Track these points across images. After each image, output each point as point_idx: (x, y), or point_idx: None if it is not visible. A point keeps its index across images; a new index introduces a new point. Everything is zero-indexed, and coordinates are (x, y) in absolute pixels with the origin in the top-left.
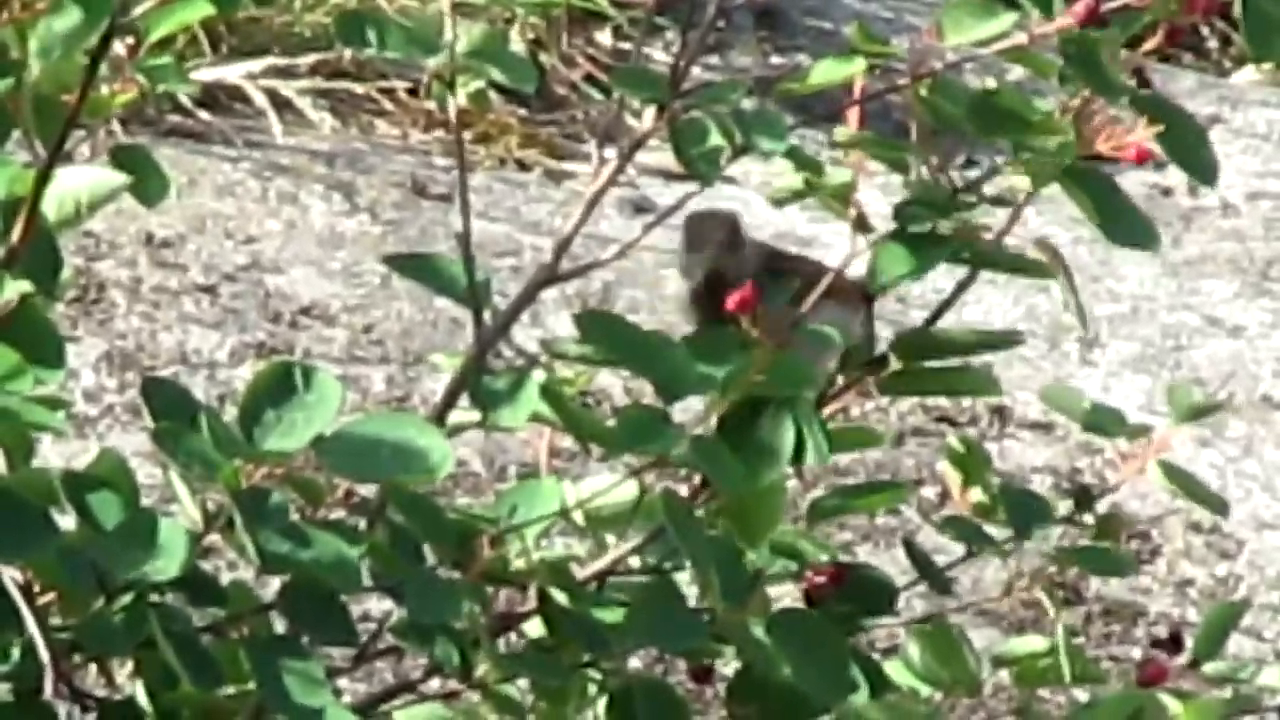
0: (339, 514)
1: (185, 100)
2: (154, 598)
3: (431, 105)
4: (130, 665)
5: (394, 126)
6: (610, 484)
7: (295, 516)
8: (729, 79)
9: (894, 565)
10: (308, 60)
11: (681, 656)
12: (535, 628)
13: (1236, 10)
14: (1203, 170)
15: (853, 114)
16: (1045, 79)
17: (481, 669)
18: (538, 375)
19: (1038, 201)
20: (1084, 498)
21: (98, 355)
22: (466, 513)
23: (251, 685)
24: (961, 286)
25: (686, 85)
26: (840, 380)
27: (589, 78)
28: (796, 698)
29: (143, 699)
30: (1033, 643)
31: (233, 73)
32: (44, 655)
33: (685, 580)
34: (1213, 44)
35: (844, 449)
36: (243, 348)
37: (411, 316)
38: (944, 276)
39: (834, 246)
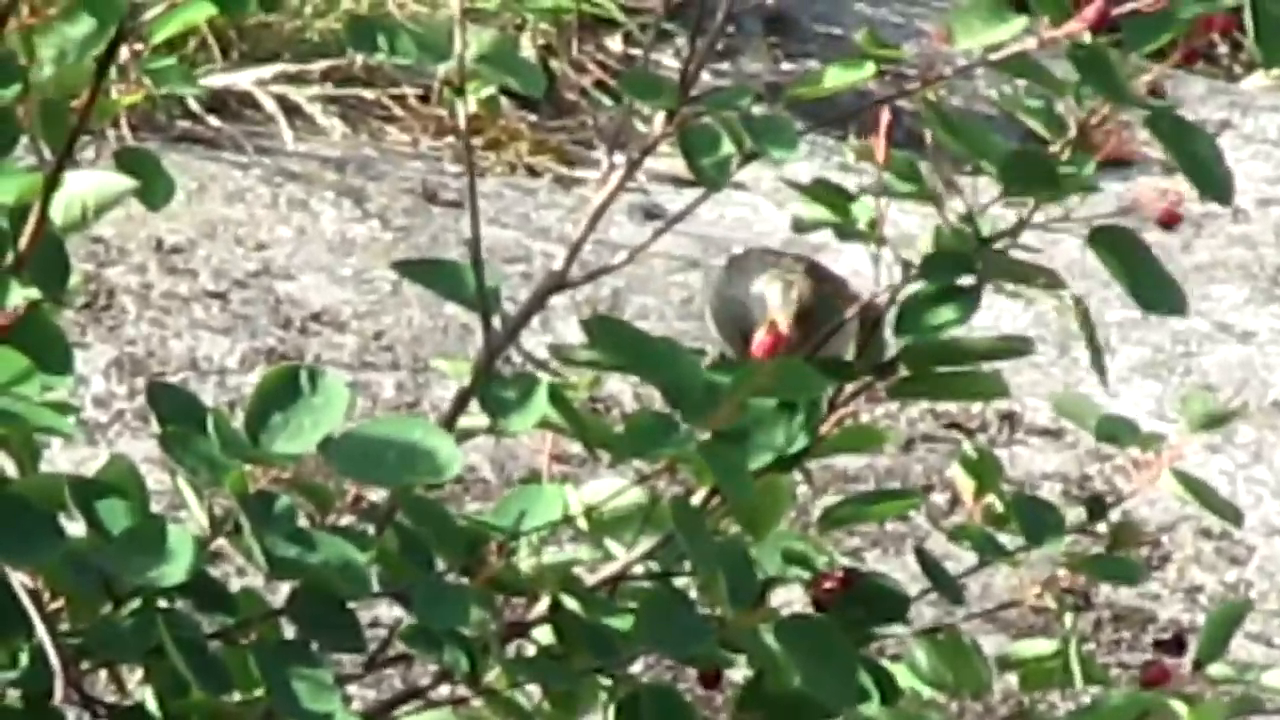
0: (348, 520)
1: (195, 106)
2: (163, 604)
3: (442, 112)
4: (140, 671)
5: (405, 133)
6: (614, 489)
7: (304, 522)
8: (738, 84)
9: (903, 571)
10: (318, 66)
11: (690, 663)
12: (544, 634)
13: (1247, 17)
14: (1218, 188)
15: (879, 139)
16: (1060, 95)
17: (491, 675)
18: (545, 381)
19: (1046, 207)
20: (1097, 507)
21: (107, 361)
22: (475, 519)
23: (261, 691)
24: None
25: (696, 91)
26: (849, 386)
27: (599, 84)
28: (806, 704)
29: (152, 705)
30: (1038, 646)
31: (243, 79)
32: (54, 661)
33: (693, 586)
34: (1223, 50)
35: (848, 449)
36: (253, 354)
37: (422, 323)
38: None
39: (844, 252)
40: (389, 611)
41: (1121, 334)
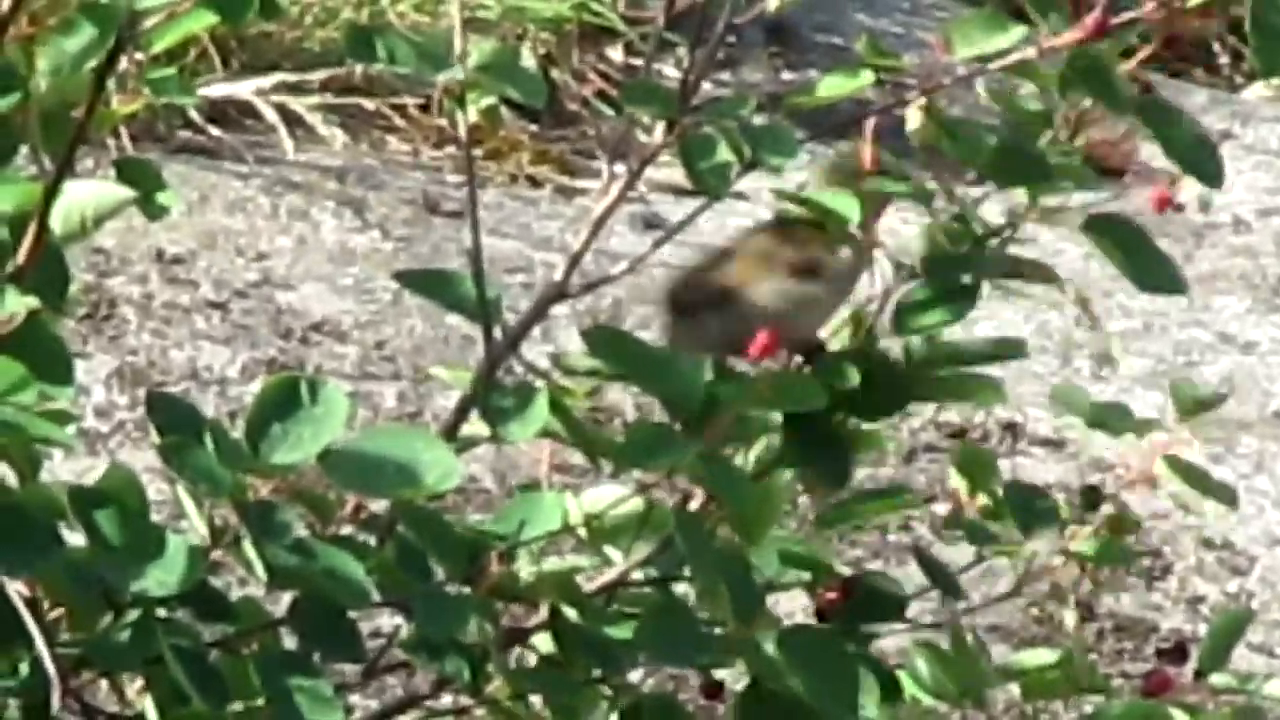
0: (348, 529)
1: (196, 116)
2: (163, 614)
3: (443, 122)
4: (140, 681)
5: (405, 143)
6: (614, 497)
7: (304, 532)
8: (739, 94)
9: (907, 583)
10: (319, 76)
11: (691, 671)
12: (545, 643)
13: (1247, 25)
14: (1208, 174)
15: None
16: (1061, 94)
17: (492, 685)
18: (545, 390)
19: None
20: (1093, 496)
21: (108, 371)
22: (475, 528)
23: (261, 702)
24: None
25: (697, 101)
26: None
27: (600, 94)
28: (806, 713)
29: (152, 715)
30: (1041, 655)
31: (243, 89)
32: (51, 670)
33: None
34: (1224, 60)
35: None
36: (254, 364)
37: (423, 333)
38: None
39: None
40: (390, 620)
41: (1124, 344)
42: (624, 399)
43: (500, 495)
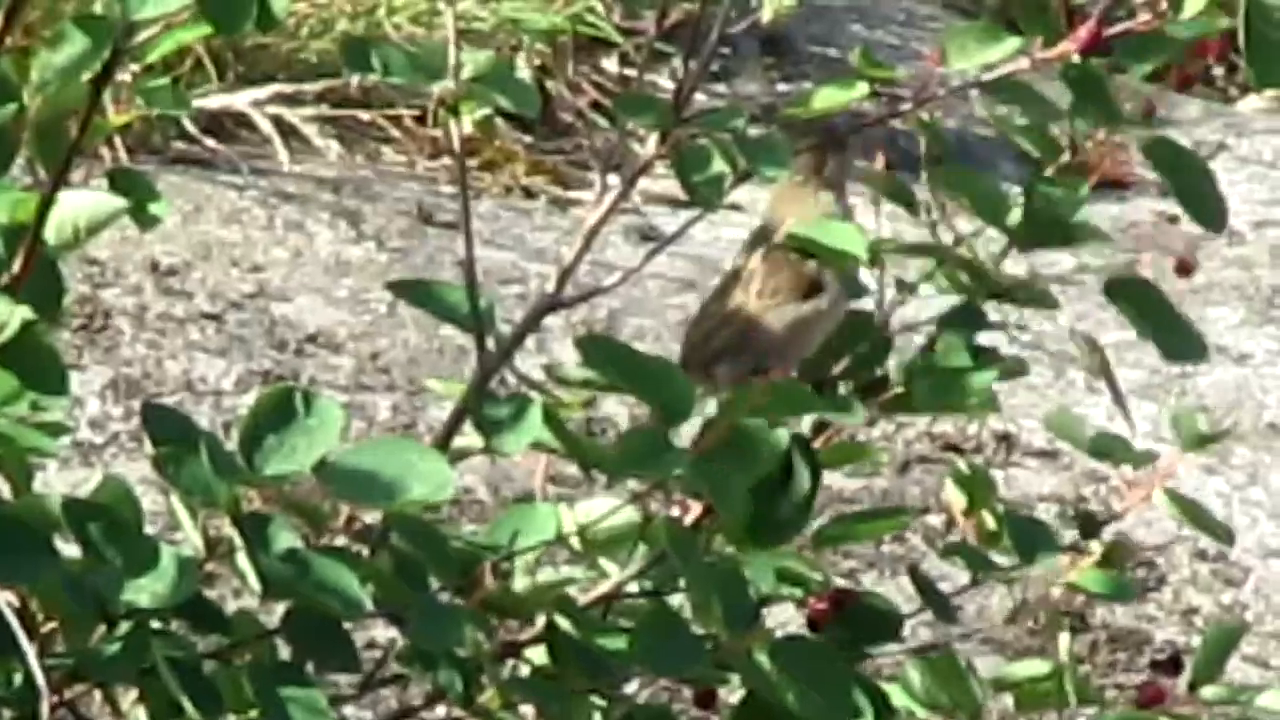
0: (342, 540)
1: (191, 128)
2: (157, 625)
3: (438, 132)
4: (134, 692)
5: (400, 154)
6: (607, 508)
7: (298, 543)
8: (732, 105)
9: (899, 594)
10: (314, 87)
11: (684, 683)
12: (538, 654)
13: (1241, 38)
14: (1212, 217)
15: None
16: (1054, 121)
17: (485, 696)
18: (539, 401)
19: None
20: (1090, 525)
21: (103, 383)
22: (469, 540)
23: (255, 713)
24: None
25: (691, 112)
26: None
27: (595, 105)
28: None
29: None
30: (1034, 667)
31: (239, 100)
32: (40, 681)
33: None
34: (1219, 71)
35: (837, 465)
36: (248, 375)
37: (418, 344)
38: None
39: None
40: (384, 632)
41: (1117, 356)
42: (619, 410)
43: (494, 506)
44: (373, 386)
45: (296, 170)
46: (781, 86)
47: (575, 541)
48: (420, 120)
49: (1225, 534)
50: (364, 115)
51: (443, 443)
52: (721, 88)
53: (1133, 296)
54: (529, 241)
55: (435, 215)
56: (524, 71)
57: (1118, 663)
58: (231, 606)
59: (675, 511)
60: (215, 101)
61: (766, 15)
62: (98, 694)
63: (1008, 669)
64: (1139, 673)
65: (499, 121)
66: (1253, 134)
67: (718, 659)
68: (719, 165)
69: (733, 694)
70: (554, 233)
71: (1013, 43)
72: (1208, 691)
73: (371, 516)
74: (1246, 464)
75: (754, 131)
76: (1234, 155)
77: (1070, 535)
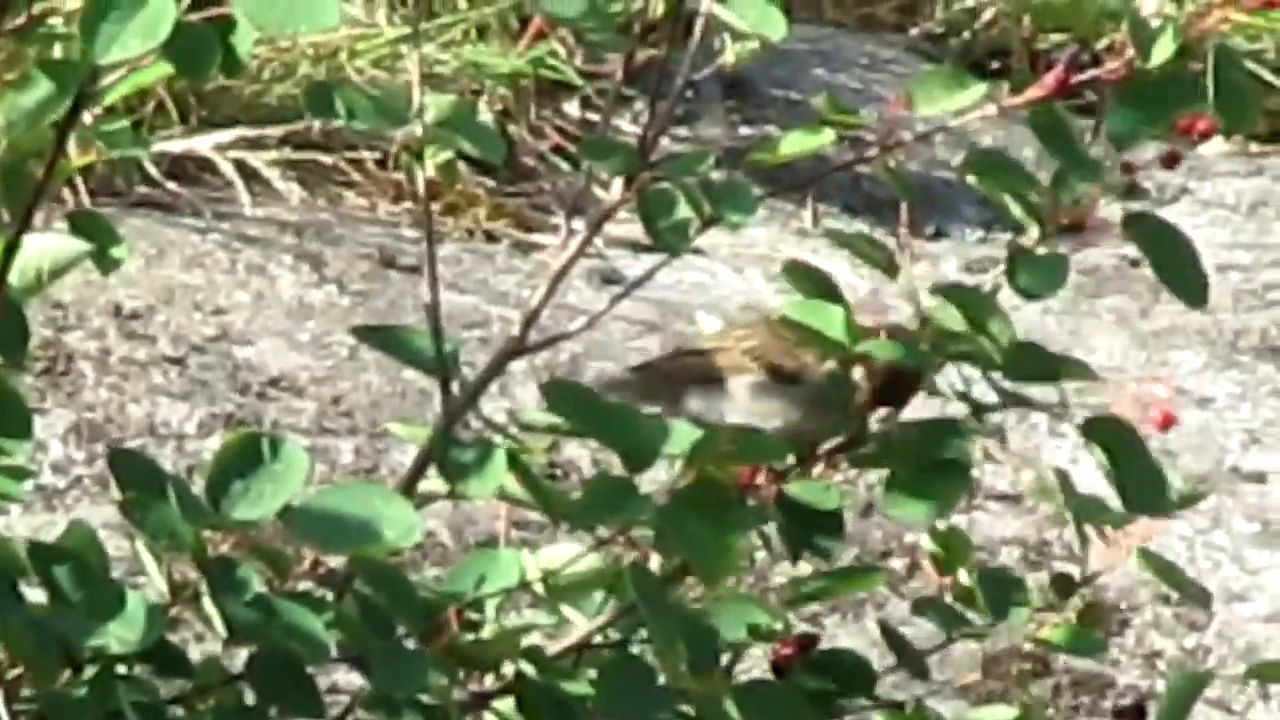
0: (307, 585)
1: (153, 171)
2: (122, 670)
3: (400, 176)
4: None
5: (363, 198)
6: (571, 555)
7: (263, 587)
8: (697, 149)
9: (863, 637)
10: (276, 131)
11: None
12: (507, 706)
13: (1208, 83)
14: (1193, 294)
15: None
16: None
17: None
18: (504, 446)
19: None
20: (1065, 585)
21: (66, 427)
22: (433, 588)
23: None
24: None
25: (655, 156)
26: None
27: (557, 149)
28: None
29: None
30: (1000, 713)
31: (201, 144)
32: None
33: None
34: None
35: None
36: (211, 419)
37: (380, 388)
38: None
39: None
40: (346, 677)
41: (1080, 399)
42: (582, 454)
43: (457, 550)
44: (335, 430)
45: (259, 214)
46: (744, 130)
47: (539, 587)
48: (382, 164)
49: (1202, 597)
50: (326, 159)
51: (407, 487)
52: (684, 131)
53: (1109, 442)
54: (491, 285)
55: (397, 259)
56: (486, 115)
57: (1081, 707)
58: (195, 651)
59: (641, 559)
60: (177, 145)
61: (730, 59)
62: None
63: (973, 715)
64: (1102, 717)
65: (461, 165)
66: (1215, 177)
67: (682, 706)
68: (684, 211)
69: None
70: (516, 276)
71: (979, 89)
72: None
73: (337, 561)
74: (1209, 508)
75: (718, 176)
76: (1196, 199)
77: (1033, 578)
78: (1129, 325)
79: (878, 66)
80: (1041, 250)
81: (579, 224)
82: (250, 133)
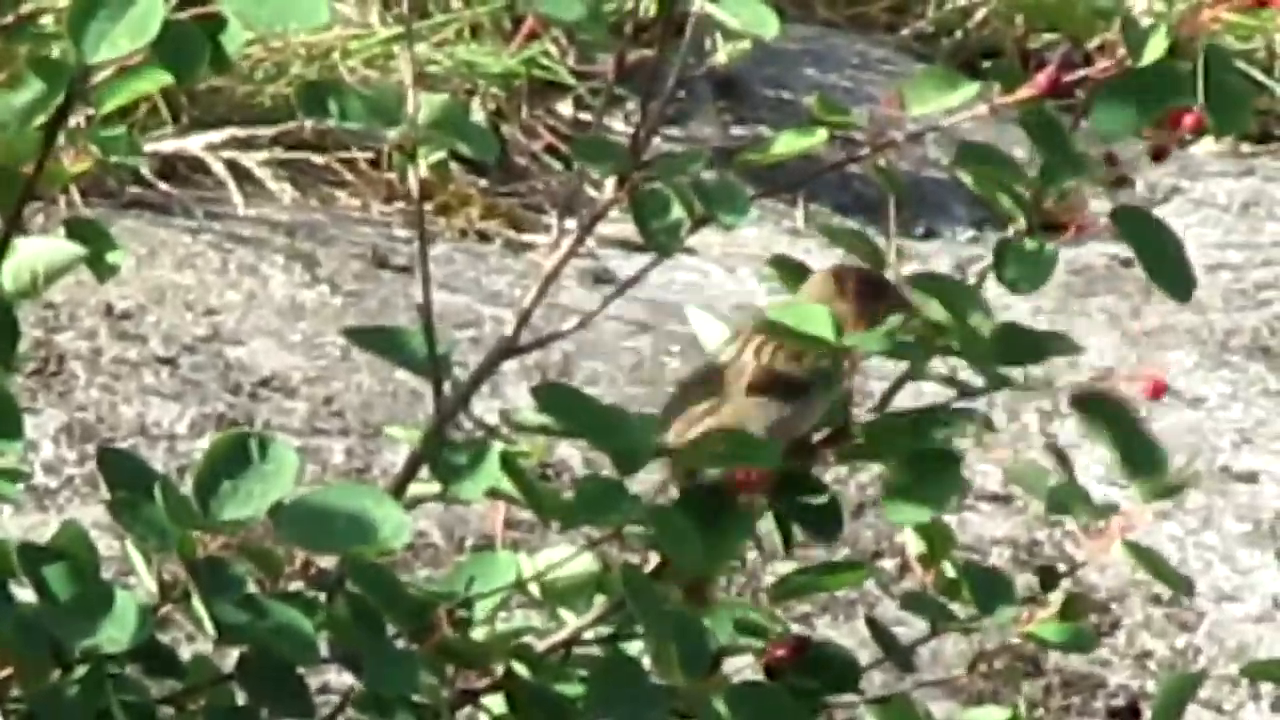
0: (298, 585)
1: (146, 172)
2: (113, 669)
3: (393, 176)
4: None
5: (355, 198)
6: (566, 556)
7: (253, 588)
8: (689, 149)
9: (853, 637)
10: (269, 131)
11: None
12: (497, 704)
13: (1199, 84)
14: (1180, 288)
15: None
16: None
17: None
18: (497, 447)
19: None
20: (1050, 578)
21: (57, 427)
22: (425, 588)
23: None
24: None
25: (647, 156)
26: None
27: (550, 149)
28: None
29: None
30: (990, 714)
31: (193, 144)
32: None
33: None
34: None
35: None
36: (203, 419)
37: (371, 388)
38: None
39: None
40: (338, 677)
41: (1068, 383)
42: (573, 454)
43: (449, 551)
44: (327, 430)
45: (251, 214)
46: (736, 130)
47: (534, 589)
48: (375, 164)
49: (1185, 586)
50: (318, 159)
51: (399, 488)
52: (676, 131)
53: (1107, 419)
54: (484, 285)
55: (390, 259)
56: (479, 115)
57: (1071, 707)
58: (186, 650)
59: (634, 559)
60: (169, 145)
61: (721, 59)
62: None
63: (964, 716)
64: (1093, 717)
65: (454, 165)
66: (1206, 177)
67: (677, 706)
68: (676, 210)
69: None
70: (509, 276)
71: (970, 89)
72: None
73: (328, 562)
74: (1200, 508)
75: (710, 176)
76: (1187, 198)
77: (1024, 579)
78: (1120, 325)
79: (870, 66)
80: (1029, 243)
81: (571, 224)
82: (242, 133)
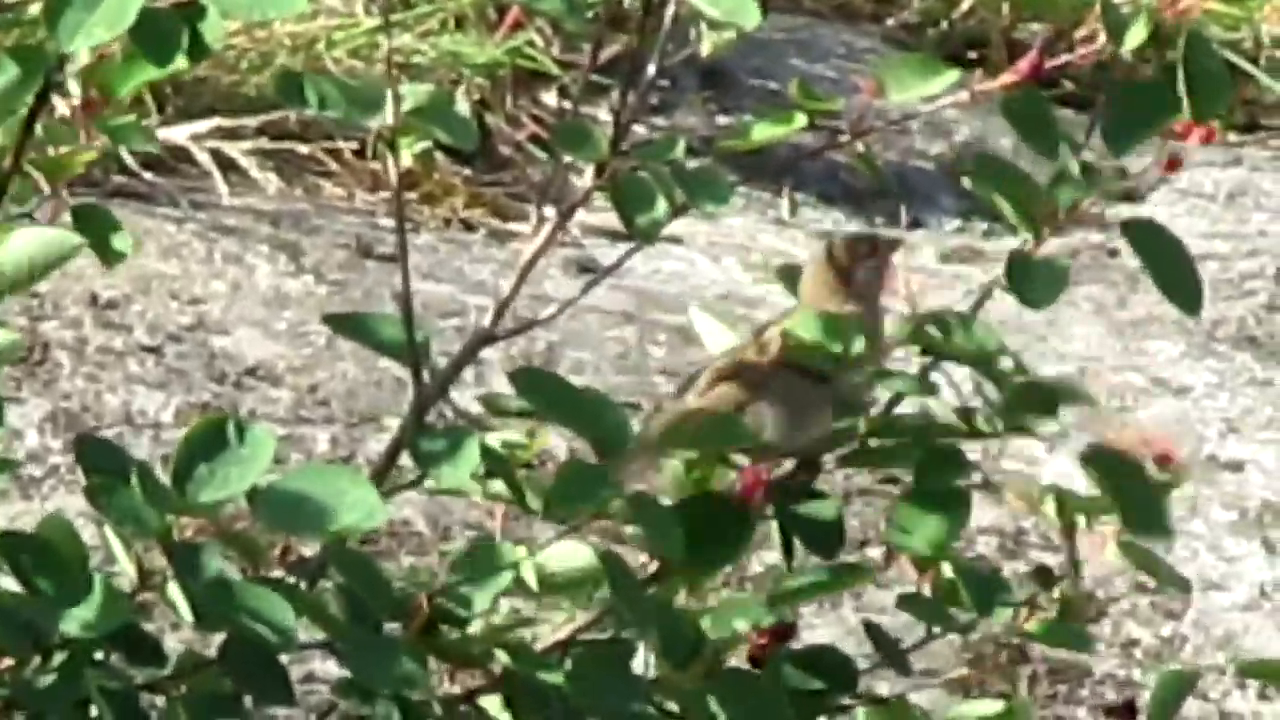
0: (279, 573)
1: (130, 161)
2: (96, 657)
3: (377, 166)
4: None
5: (340, 187)
6: (565, 549)
7: (232, 572)
8: (669, 137)
9: (840, 625)
10: (253, 121)
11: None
12: (493, 703)
13: (1180, 70)
14: (1188, 301)
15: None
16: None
17: None
18: (492, 439)
19: (987, 260)
20: (1045, 578)
21: (42, 416)
22: (411, 578)
23: None
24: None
25: (630, 144)
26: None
27: (534, 138)
28: None
29: None
30: (983, 707)
31: (178, 134)
32: None
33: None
34: None
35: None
36: (188, 408)
37: (356, 377)
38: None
39: (780, 307)
40: (323, 665)
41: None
42: (558, 443)
43: (433, 538)
44: (312, 419)
45: (235, 204)
46: (721, 119)
47: (531, 581)
48: (359, 154)
49: (1181, 583)
50: (303, 149)
51: (379, 475)
52: (661, 120)
53: (1108, 471)
54: (468, 274)
55: (374, 248)
56: (462, 105)
57: (1058, 695)
58: (172, 638)
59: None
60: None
61: (705, 48)
62: None
63: (959, 710)
64: (1079, 705)
65: (438, 154)
66: (1193, 167)
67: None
68: (657, 198)
69: None
70: (492, 265)
71: (950, 75)
72: None
73: (310, 548)
74: (1186, 497)
75: (692, 164)
76: (1174, 188)
77: (1010, 567)
78: (1106, 314)
79: (855, 56)
80: (1040, 258)
81: (552, 212)
82: (227, 123)
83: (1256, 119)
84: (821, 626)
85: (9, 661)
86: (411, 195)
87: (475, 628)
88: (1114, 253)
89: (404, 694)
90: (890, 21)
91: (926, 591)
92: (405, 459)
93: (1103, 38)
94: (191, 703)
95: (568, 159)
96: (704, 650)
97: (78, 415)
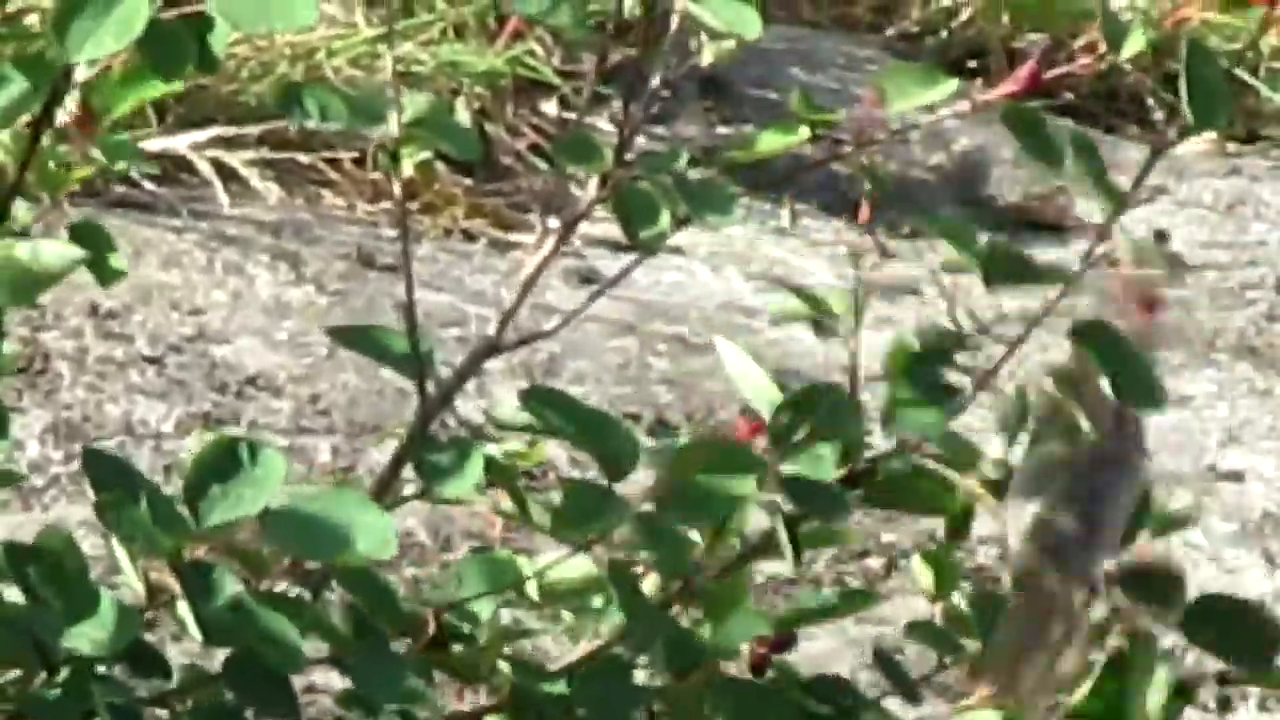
0: (284, 585)
1: (131, 171)
2: (100, 670)
3: (378, 176)
4: None
5: (340, 197)
6: (566, 560)
7: (240, 589)
8: (672, 148)
9: (840, 636)
10: (254, 130)
11: None
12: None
13: (1181, 79)
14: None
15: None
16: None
17: None
18: (494, 450)
19: None
20: None
21: (43, 426)
22: (421, 595)
23: None
24: None
25: (631, 155)
26: None
27: (535, 148)
28: None
29: None
30: (986, 717)
31: (179, 143)
32: None
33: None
34: (1158, 115)
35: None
36: (188, 418)
37: (358, 387)
38: None
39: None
40: (324, 678)
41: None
42: (559, 454)
43: (435, 550)
44: (313, 429)
45: (236, 213)
46: (721, 129)
47: (533, 592)
48: (360, 163)
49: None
50: (304, 158)
51: (382, 488)
52: (661, 130)
53: (1098, 343)
54: (468, 284)
55: (375, 258)
56: (463, 115)
57: (1058, 704)
58: (174, 650)
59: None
60: (155, 144)
61: (706, 58)
62: None
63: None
64: None
65: (438, 165)
66: (1193, 177)
67: (663, 702)
68: (661, 210)
69: None
70: (494, 275)
71: (950, 84)
72: None
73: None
74: (1187, 507)
75: (694, 174)
76: (1173, 199)
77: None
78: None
79: (855, 66)
80: None
81: (555, 223)
82: (228, 132)
83: (1256, 130)
84: (822, 636)
85: (14, 673)
86: (412, 205)
87: (480, 640)
88: (1115, 263)
89: (409, 710)
90: (890, 31)
91: (939, 626)
92: (408, 469)
93: (1102, 47)
94: (197, 717)
95: (569, 169)
96: (706, 661)
97: (78, 425)
